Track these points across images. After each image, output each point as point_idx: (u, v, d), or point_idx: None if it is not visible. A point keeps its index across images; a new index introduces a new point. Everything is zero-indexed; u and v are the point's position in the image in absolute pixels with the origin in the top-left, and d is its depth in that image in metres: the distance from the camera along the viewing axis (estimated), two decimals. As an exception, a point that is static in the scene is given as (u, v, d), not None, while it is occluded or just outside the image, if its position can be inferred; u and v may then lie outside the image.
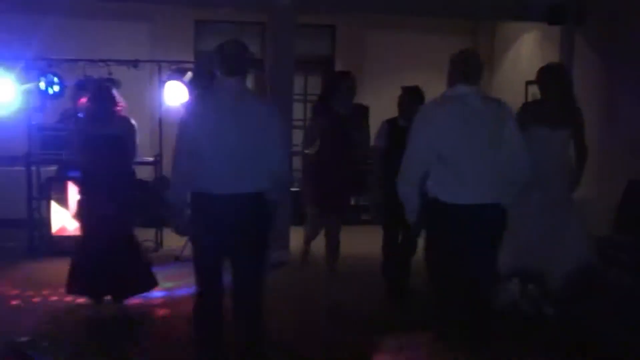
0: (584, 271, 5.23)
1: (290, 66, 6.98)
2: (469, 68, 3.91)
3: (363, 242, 6.90)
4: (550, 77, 5.17)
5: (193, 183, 3.70)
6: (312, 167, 5.59)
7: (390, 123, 5.62)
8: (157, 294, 5.69)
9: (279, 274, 6.68)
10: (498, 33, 9.50)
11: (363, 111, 5.61)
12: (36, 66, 7.08)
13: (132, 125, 5.40)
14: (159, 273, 6.14)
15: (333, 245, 5.62)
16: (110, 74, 7.26)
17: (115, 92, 5.49)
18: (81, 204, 5.44)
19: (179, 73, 7.23)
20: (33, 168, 7.42)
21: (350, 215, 9.18)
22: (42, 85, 7.08)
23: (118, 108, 5.48)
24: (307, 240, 5.90)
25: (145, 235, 7.39)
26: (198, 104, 3.85)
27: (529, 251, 5.17)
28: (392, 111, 5.74)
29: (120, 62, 7.28)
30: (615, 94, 6.88)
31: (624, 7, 6.58)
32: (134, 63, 7.31)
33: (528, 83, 8.26)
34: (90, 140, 5.24)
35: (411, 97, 5.58)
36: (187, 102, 3.84)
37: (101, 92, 5.39)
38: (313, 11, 8.37)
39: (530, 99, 7.97)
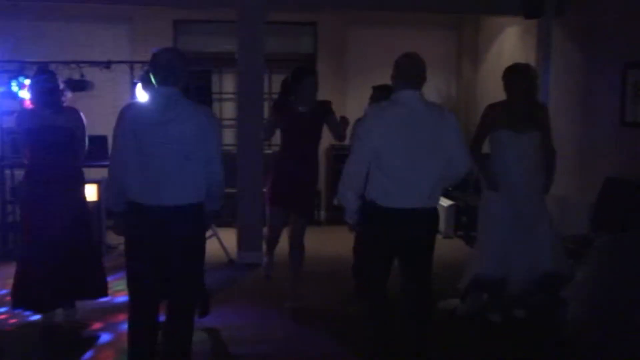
0: (549, 281, 5.15)
1: (260, 64, 6.88)
2: (413, 73, 3.94)
3: (337, 243, 6.83)
4: (515, 77, 5.08)
5: (127, 193, 3.64)
6: (273, 165, 5.51)
7: None
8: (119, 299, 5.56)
9: (249, 275, 6.64)
10: (482, 27, 9.35)
11: (325, 106, 5.43)
12: (7, 69, 7.06)
13: (80, 118, 5.06)
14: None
15: (296, 248, 5.47)
16: (82, 75, 7.22)
17: (61, 83, 5.13)
18: (26, 203, 5.01)
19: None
20: (7, 171, 7.40)
21: (331, 215, 9.23)
22: (15, 88, 7.06)
23: (63, 98, 5.08)
24: (269, 246, 5.67)
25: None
26: (131, 112, 3.73)
27: (493, 257, 5.12)
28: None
29: (93, 63, 7.23)
30: (594, 88, 6.72)
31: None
32: (107, 64, 7.25)
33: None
34: (35, 133, 4.85)
35: (382, 96, 5.46)
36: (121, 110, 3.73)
37: (43, 79, 5.00)
38: (289, 8, 8.32)
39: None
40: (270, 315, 5.41)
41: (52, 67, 7.11)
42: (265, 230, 5.78)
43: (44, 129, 4.85)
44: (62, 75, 7.15)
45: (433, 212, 4.01)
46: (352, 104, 9.26)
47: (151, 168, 3.56)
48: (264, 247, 5.84)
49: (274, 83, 9.53)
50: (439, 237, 8.37)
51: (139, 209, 3.60)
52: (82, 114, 5.15)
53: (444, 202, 8.54)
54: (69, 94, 5.23)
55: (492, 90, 7.68)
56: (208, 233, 7.36)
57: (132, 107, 3.78)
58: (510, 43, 8.47)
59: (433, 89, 9.32)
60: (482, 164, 5.24)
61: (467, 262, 5.57)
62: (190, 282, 3.77)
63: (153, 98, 3.71)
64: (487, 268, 5.11)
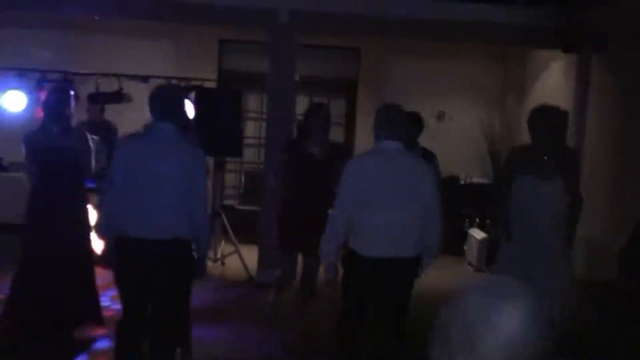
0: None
1: (290, 86, 6.91)
2: (393, 124, 3.95)
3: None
4: (541, 120, 4.70)
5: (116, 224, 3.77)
6: (281, 208, 5.16)
7: None
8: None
9: (263, 295, 6.58)
10: (529, 61, 9.16)
11: (343, 151, 5.13)
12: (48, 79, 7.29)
13: (87, 140, 5.03)
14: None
15: (306, 288, 5.16)
16: (120, 88, 7.43)
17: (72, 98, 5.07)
18: (28, 224, 4.92)
19: (186, 90, 7.28)
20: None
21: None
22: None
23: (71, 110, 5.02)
24: (277, 288, 5.32)
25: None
26: (126, 146, 3.90)
27: None
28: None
29: (131, 77, 7.43)
30: (633, 128, 6.47)
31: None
32: (145, 79, 7.42)
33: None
34: (42, 154, 4.85)
35: (410, 125, 5.26)
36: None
37: (54, 87, 5.07)
38: (334, 33, 8.36)
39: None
40: (268, 341, 5.29)
41: (94, 78, 7.40)
42: (277, 272, 5.40)
43: (51, 150, 4.87)
44: (101, 87, 7.45)
45: (412, 262, 3.96)
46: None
47: (138, 200, 3.67)
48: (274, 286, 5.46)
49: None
50: (470, 269, 8.28)
51: (125, 241, 3.71)
52: (89, 135, 5.13)
53: (477, 235, 8.35)
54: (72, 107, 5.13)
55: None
56: (230, 249, 7.43)
57: (131, 140, 3.92)
58: (554, 79, 8.26)
59: (476, 120, 9.21)
60: (502, 209, 4.90)
61: None
62: (169, 319, 3.83)
63: (152, 132, 3.81)
64: None
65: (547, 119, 4.76)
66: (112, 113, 7.73)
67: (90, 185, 7.36)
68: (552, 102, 6.95)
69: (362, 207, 3.85)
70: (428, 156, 5.34)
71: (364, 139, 9.41)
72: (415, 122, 5.30)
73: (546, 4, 6.69)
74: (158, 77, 7.64)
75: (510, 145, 9.19)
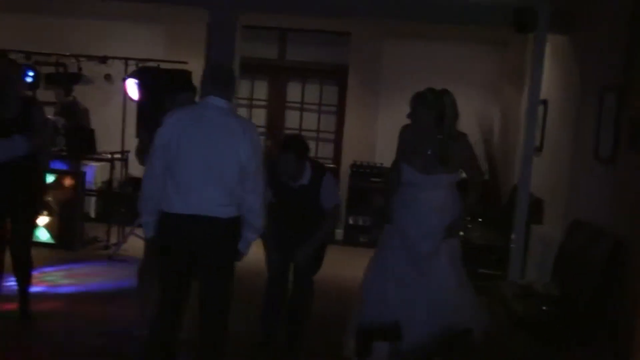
0: (451, 337, 4.32)
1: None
2: (219, 80, 3.70)
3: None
4: (419, 106, 4.35)
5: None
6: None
7: None
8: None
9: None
10: (529, 46, 8.41)
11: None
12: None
13: (38, 109, 4.83)
14: (74, 269, 6.26)
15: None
16: (80, 69, 7.48)
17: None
18: None
19: (140, 72, 7.19)
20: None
21: (348, 234, 8.70)
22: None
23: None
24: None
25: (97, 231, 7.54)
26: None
27: (387, 304, 4.41)
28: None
29: (90, 57, 7.45)
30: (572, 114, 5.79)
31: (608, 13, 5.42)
32: (103, 59, 7.42)
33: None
34: None
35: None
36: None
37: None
38: (327, 16, 8.02)
39: (544, 119, 6.95)
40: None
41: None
42: None
43: None
44: (73, 68, 7.53)
45: (223, 223, 3.62)
46: (384, 121, 8.77)
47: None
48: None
49: (307, 92, 9.29)
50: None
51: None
52: (38, 107, 4.91)
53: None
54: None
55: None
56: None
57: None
58: (546, 64, 7.52)
59: (472, 111, 8.57)
60: (388, 193, 4.63)
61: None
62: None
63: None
64: (370, 311, 4.42)
65: (426, 104, 4.34)
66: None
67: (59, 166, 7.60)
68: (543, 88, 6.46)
69: (169, 163, 3.61)
70: (318, 174, 4.68)
71: (352, 126, 9.06)
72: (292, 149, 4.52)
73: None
74: (114, 57, 7.62)
75: (507, 139, 8.58)
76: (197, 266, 3.66)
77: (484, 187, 4.68)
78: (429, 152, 4.35)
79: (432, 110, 4.32)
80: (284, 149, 4.48)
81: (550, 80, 7.10)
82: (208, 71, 3.81)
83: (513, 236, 6.22)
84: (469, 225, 7.89)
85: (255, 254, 4.15)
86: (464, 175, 4.58)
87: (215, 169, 3.56)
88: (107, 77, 8.11)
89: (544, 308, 4.61)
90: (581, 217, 5.27)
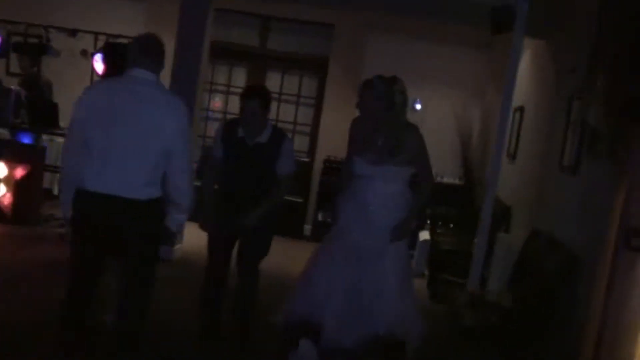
0: (382, 345, 4.10)
1: (198, 54, 6.38)
2: (147, 53, 3.43)
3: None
4: (365, 93, 4.14)
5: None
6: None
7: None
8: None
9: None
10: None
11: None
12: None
13: None
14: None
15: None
16: (48, 40, 7.25)
17: None
18: None
19: (106, 48, 6.97)
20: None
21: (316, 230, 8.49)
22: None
23: None
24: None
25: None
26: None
27: (315, 300, 4.19)
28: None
29: (59, 29, 7.23)
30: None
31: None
32: (73, 32, 7.20)
33: (516, 109, 7.00)
34: None
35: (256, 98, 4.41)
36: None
37: None
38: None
39: (519, 126, 6.75)
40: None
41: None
42: None
43: None
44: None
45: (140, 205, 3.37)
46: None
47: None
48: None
49: (286, 83, 9.06)
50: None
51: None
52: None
53: (422, 236, 7.57)
54: None
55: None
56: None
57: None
58: (523, 67, 7.32)
59: (452, 110, 8.38)
60: (338, 188, 4.45)
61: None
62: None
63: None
64: (296, 304, 4.23)
65: (373, 90, 4.13)
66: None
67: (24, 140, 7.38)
68: (519, 91, 6.26)
69: (87, 138, 3.36)
70: (278, 136, 4.59)
71: (330, 120, 8.84)
72: (257, 96, 4.34)
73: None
74: (83, 31, 7.40)
75: (486, 143, 8.37)
76: (116, 249, 3.44)
77: (434, 189, 4.44)
78: (379, 144, 4.15)
79: (381, 99, 4.10)
80: (248, 97, 4.27)
81: (528, 87, 6.91)
82: (136, 43, 3.56)
83: (475, 243, 6.01)
84: (438, 230, 7.72)
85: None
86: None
87: (136, 145, 3.30)
88: (84, 53, 7.90)
89: (492, 319, 4.42)
90: (542, 227, 5.06)
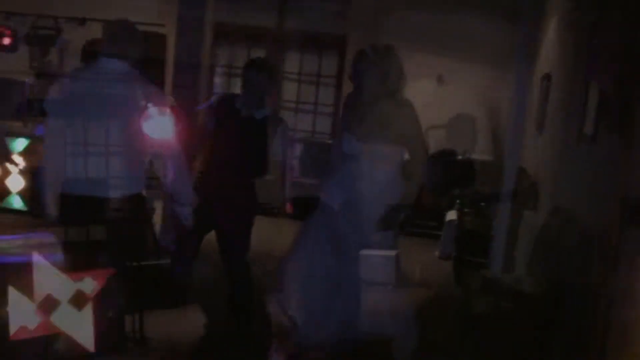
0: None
1: (199, 33, 6.20)
2: (117, 38, 3.33)
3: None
4: (360, 63, 3.86)
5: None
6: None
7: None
8: None
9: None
10: (543, 19, 7.74)
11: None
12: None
13: None
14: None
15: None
16: (59, 30, 7.17)
17: None
18: None
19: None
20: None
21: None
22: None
23: None
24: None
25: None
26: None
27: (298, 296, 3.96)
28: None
29: (68, 19, 7.13)
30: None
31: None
32: (82, 21, 7.10)
33: (543, 78, 6.59)
34: None
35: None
36: None
37: None
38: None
39: (548, 94, 6.34)
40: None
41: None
42: None
43: None
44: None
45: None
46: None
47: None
48: None
49: (305, 63, 8.79)
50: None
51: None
52: None
53: (449, 216, 7.26)
54: None
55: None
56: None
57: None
58: (549, 37, 6.88)
59: (481, 87, 8.01)
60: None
61: None
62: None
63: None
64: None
65: (366, 60, 3.84)
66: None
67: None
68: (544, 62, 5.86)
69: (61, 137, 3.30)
70: (276, 119, 4.42)
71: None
72: (261, 70, 4.17)
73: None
74: (93, 19, 7.25)
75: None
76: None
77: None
78: (369, 118, 3.83)
79: (374, 70, 3.79)
80: (258, 69, 4.14)
81: (554, 53, 6.48)
82: (104, 30, 3.36)
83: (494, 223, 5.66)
84: (466, 210, 7.37)
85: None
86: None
87: (106, 143, 3.16)
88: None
89: (503, 306, 4.08)
90: (561, 204, 4.68)
